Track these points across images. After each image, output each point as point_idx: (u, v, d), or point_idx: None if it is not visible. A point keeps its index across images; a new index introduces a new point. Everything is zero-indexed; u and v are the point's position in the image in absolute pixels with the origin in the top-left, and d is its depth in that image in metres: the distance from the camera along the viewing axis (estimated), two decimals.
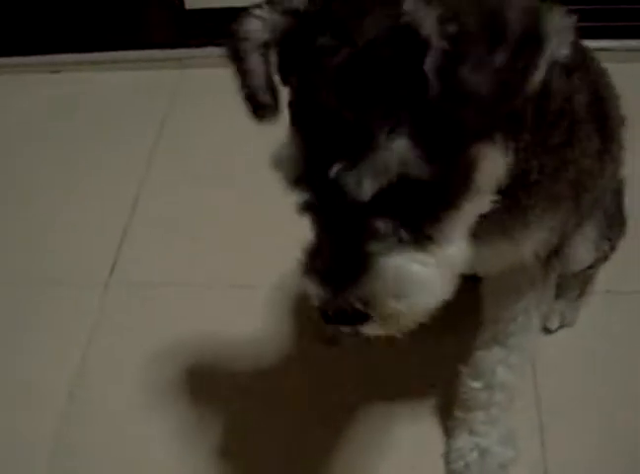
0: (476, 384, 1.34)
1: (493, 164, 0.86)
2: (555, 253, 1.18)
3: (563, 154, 1.03)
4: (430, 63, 0.73)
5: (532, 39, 0.74)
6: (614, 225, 1.48)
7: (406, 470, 1.39)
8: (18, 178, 2.04)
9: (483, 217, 0.90)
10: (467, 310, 1.28)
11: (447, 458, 1.41)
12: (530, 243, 1.09)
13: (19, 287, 1.75)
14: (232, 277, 1.72)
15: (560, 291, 1.54)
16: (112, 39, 2.34)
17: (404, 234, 0.82)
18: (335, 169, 0.78)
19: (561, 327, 1.60)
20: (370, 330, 0.87)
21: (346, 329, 0.87)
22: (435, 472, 1.39)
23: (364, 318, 0.85)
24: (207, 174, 1.98)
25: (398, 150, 0.76)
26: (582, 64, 1.09)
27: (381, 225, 0.82)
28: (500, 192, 0.91)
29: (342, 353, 1.55)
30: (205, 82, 2.27)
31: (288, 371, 1.53)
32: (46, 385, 1.55)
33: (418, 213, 0.82)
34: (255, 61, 0.91)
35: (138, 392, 1.52)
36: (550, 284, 1.24)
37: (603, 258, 1.51)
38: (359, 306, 0.83)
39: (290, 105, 0.87)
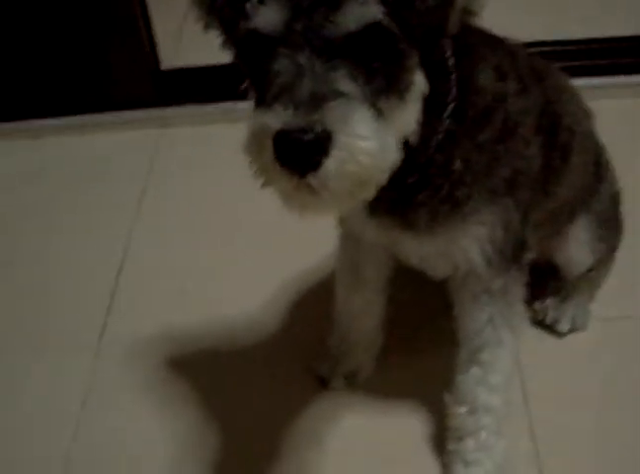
0: (461, 409, 1.37)
1: (419, 83, 0.98)
2: (513, 259, 1.24)
3: (495, 151, 1.13)
4: None
5: None
6: (610, 228, 1.55)
7: None
8: (1, 243, 2.03)
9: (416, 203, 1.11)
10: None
11: None
12: (471, 238, 1.17)
13: (7, 354, 1.73)
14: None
15: (569, 294, 1.63)
16: (90, 103, 2.36)
17: (366, 92, 0.91)
18: (321, 11, 0.88)
19: (572, 330, 1.63)
20: (322, 177, 0.88)
21: (299, 169, 0.89)
22: None
23: (322, 152, 0.87)
24: (194, 230, 1.99)
25: (369, 2, 0.89)
26: (523, 74, 1.20)
27: (349, 69, 0.90)
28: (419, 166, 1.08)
29: (333, 394, 1.57)
30: (185, 140, 2.31)
31: (281, 418, 1.53)
32: (41, 453, 1.53)
33: (376, 82, 0.92)
34: None
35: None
36: (513, 295, 1.29)
37: (604, 260, 1.57)
38: (318, 129, 0.86)
39: None
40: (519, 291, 1.30)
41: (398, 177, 1.02)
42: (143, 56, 2.33)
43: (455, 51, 1.09)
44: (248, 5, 0.92)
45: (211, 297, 1.80)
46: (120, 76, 2.34)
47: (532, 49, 1.41)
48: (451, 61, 1.08)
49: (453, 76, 1.09)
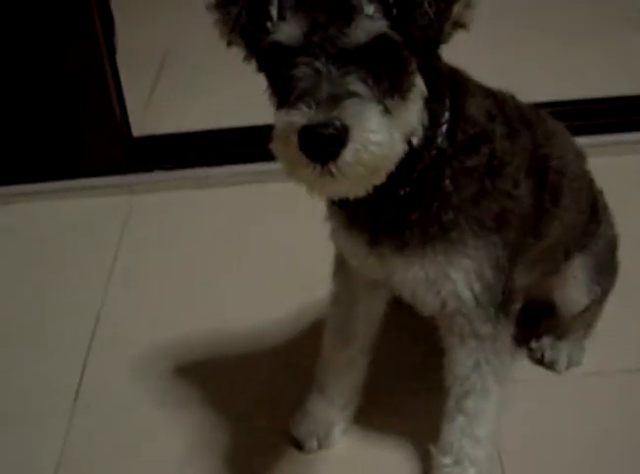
0: (446, 460, 1.40)
1: (418, 86, 1.12)
2: (502, 306, 1.31)
3: (482, 183, 1.24)
4: None
5: None
6: (605, 272, 1.63)
7: None
8: None
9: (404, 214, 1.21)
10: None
11: None
12: (458, 269, 1.25)
13: None
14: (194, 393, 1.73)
15: (564, 333, 1.69)
16: (61, 169, 2.39)
17: (375, 93, 1.05)
18: (335, 25, 1.03)
19: (570, 367, 1.69)
20: (341, 165, 1.03)
21: (321, 158, 1.03)
22: None
23: (340, 144, 1.02)
24: (165, 297, 2.00)
25: (375, 17, 1.04)
26: (512, 119, 1.32)
27: (360, 74, 1.04)
28: (413, 180, 1.20)
29: (312, 456, 1.57)
30: (156, 206, 2.33)
31: None
32: None
33: (383, 84, 1.06)
34: None
35: None
36: (501, 343, 1.35)
37: (597, 301, 1.64)
38: (337, 124, 1.01)
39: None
40: (506, 340, 1.35)
41: (393, 186, 1.17)
42: (115, 124, 2.37)
43: (451, 84, 1.24)
44: (269, 22, 1.07)
45: (185, 358, 1.81)
46: (92, 143, 2.37)
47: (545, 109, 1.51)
48: (447, 90, 1.22)
49: (447, 101, 1.22)
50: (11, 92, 2.31)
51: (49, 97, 2.32)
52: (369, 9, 1.04)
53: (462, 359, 1.34)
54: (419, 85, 1.12)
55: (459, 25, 1.10)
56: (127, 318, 1.95)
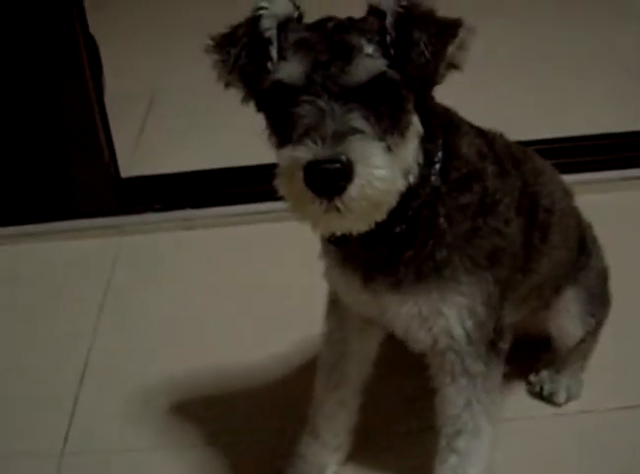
0: None
1: (415, 124, 1.16)
2: (493, 345, 1.32)
3: (475, 220, 1.26)
4: (389, 20, 1.11)
5: (452, 27, 1.12)
6: (598, 303, 1.64)
7: None
8: None
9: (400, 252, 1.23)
10: None
11: None
12: (451, 305, 1.26)
13: None
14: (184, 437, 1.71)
15: (562, 366, 1.70)
16: (49, 210, 2.39)
17: (377, 130, 1.08)
18: (337, 64, 1.08)
19: (567, 401, 1.69)
20: (346, 199, 1.05)
21: (327, 193, 1.04)
22: None
23: (346, 179, 1.04)
24: (154, 338, 1.99)
25: (374, 56, 1.09)
26: (502, 158, 1.34)
27: (362, 112, 1.08)
28: (408, 218, 1.22)
29: None
30: (145, 247, 2.33)
31: None
32: None
33: (384, 122, 1.10)
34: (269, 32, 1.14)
35: None
36: (492, 382, 1.34)
37: (592, 333, 1.65)
38: (343, 159, 1.03)
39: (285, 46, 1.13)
40: (497, 379, 1.36)
41: (388, 224, 1.18)
42: (103, 165, 2.37)
43: (443, 124, 1.26)
44: (269, 62, 1.11)
45: (176, 398, 1.80)
46: (80, 184, 2.37)
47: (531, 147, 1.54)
48: (440, 129, 1.25)
49: (440, 141, 1.25)
50: (3, 135, 2.32)
51: (38, 139, 2.33)
52: (369, 48, 1.09)
53: (453, 398, 1.34)
54: (415, 123, 1.16)
55: (453, 66, 1.13)
56: (117, 359, 1.94)
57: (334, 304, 1.48)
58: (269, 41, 1.12)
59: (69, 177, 2.37)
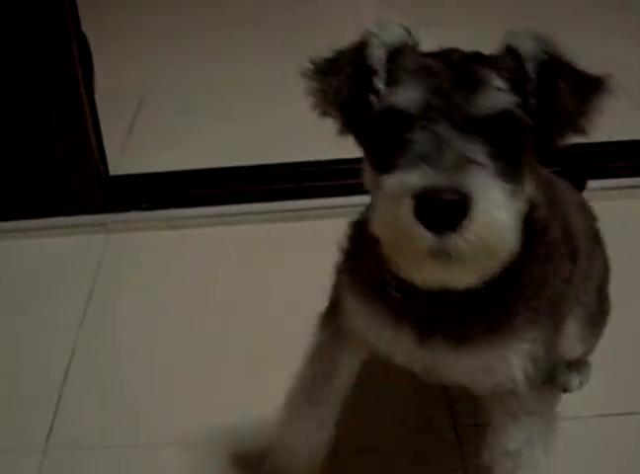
0: None
1: (531, 179, 1.05)
2: (550, 379, 1.25)
3: (544, 273, 1.17)
4: (532, 66, 1.02)
5: (598, 84, 1.04)
6: (598, 322, 1.61)
7: None
8: None
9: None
10: None
11: None
12: (515, 354, 1.17)
13: None
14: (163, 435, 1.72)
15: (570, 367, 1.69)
16: (36, 207, 2.39)
17: (497, 169, 0.96)
18: (460, 93, 0.97)
19: (581, 386, 1.72)
20: (459, 238, 0.92)
21: (438, 227, 0.92)
22: None
23: (462, 214, 0.91)
24: (139, 335, 2.00)
25: (504, 91, 0.99)
26: (554, 198, 1.28)
27: (485, 146, 0.96)
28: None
29: None
30: (131, 246, 2.33)
31: None
32: None
33: (502, 164, 0.98)
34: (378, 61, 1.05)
35: None
36: (552, 413, 1.28)
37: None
38: (462, 190, 0.91)
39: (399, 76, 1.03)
40: (555, 408, 1.29)
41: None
42: (92, 162, 2.38)
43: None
44: (373, 96, 1.02)
45: (156, 398, 1.80)
46: (68, 181, 2.37)
47: None
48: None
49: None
50: None
51: (26, 135, 2.33)
52: (499, 82, 0.99)
53: (515, 435, 1.26)
54: (529, 184, 1.05)
55: (580, 130, 1.04)
56: (101, 356, 1.94)
57: (333, 315, 1.35)
58: (375, 73, 1.02)
59: (56, 173, 2.36)
